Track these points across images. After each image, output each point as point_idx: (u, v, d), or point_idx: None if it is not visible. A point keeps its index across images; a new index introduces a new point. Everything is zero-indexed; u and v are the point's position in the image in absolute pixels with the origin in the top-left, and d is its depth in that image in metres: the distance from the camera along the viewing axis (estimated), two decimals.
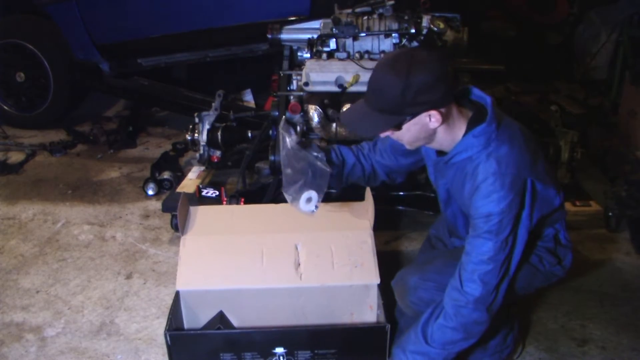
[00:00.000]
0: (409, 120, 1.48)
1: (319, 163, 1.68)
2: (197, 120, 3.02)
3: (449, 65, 1.52)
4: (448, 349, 1.59)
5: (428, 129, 1.50)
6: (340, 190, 1.99)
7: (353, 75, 2.43)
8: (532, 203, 1.53)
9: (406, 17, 2.57)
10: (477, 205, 1.50)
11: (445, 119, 1.49)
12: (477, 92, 1.60)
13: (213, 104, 3.03)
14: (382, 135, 1.59)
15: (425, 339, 1.59)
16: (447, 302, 1.57)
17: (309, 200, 1.70)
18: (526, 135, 1.59)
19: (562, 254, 1.76)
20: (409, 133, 1.52)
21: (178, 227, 2.07)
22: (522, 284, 1.72)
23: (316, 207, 1.72)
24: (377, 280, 1.91)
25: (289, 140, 1.70)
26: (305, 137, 2.54)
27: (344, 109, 2.49)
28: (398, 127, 1.51)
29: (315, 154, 1.70)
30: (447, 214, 1.81)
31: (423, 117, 1.47)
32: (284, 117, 1.74)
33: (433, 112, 1.46)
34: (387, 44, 2.57)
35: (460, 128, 1.54)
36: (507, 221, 1.48)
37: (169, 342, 1.75)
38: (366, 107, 1.53)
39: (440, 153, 1.64)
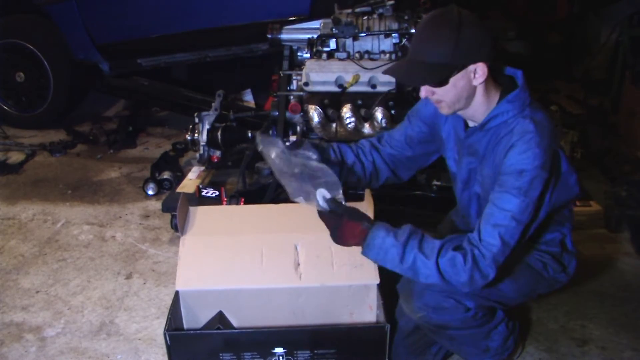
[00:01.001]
0: (458, 72, 1.49)
1: (314, 163, 1.61)
2: (197, 120, 3.02)
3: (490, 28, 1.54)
4: (446, 278, 1.48)
5: (471, 86, 1.52)
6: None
7: (353, 75, 2.44)
8: (557, 176, 1.54)
9: (406, 17, 2.57)
10: (511, 162, 1.47)
11: (487, 79, 1.52)
12: (508, 68, 1.64)
13: (213, 104, 3.03)
14: (424, 94, 1.56)
15: (437, 259, 1.48)
16: (466, 245, 1.49)
17: (325, 197, 1.60)
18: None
19: (567, 260, 1.75)
20: (455, 89, 1.51)
21: (178, 227, 2.07)
22: (525, 291, 1.71)
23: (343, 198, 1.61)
24: (377, 281, 1.91)
25: (273, 155, 1.61)
26: (306, 137, 2.55)
27: (344, 109, 2.49)
28: (445, 81, 1.50)
29: (308, 153, 1.64)
30: (463, 197, 1.78)
31: (470, 71, 1.49)
32: (258, 133, 1.63)
33: (480, 65, 1.48)
34: (387, 44, 2.58)
35: (494, 95, 1.56)
36: (538, 182, 1.46)
37: (169, 342, 1.75)
38: (413, 61, 1.53)
39: (468, 128, 1.65)
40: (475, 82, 1.51)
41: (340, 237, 1.58)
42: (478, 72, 1.49)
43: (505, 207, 1.47)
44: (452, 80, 1.50)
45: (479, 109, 1.58)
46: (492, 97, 1.57)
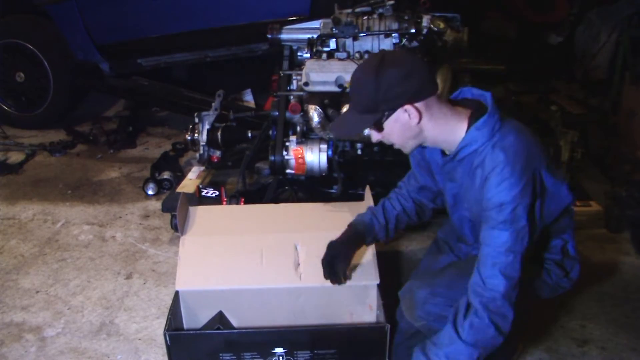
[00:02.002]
0: (387, 117, 1.49)
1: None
2: (197, 120, 3.02)
3: (423, 63, 1.52)
4: (479, 346, 1.49)
5: (411, 127, 1.50)
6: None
7: None
8: (542, 195, 1.51)
9: (406, 17, 2.57)
10: (489, 196, 1.46)
11: (427, 113, 1.49)
12: (475, 91, 1.60)
13: (213, 104, 3.03)
14: (374, 139, 1.58)
15: (459, 336, 1.48)
16: (473, 299, 1.49)
17: None
18: (532, 132, 1.58)
19: (570, 265, 1.73)
20: (394, 133, 1.53)
21: (178, 227, 2.07)
22: (529, 297, 1.71)
23: None
24: (377, 281, 1.91)
25: None
26: (306, 137, 2.54)
27: (344, 109, 2.49)
28: (380, 127, 1.52)
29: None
30: (454, 219, 1.79)
31: (401, 114, 1.48)
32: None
33: (408, 107, 1.46)
34: (387, 44, 2.57)
35: (459, 125, 1.53)
36: (522, 210, 1.44)
37: (169, 342, 1.75)
38: (350, 111, 1.57)
39: (445, 155, 1.63)
40: (413, 123, 1.49)
41: None
42: (410, 113, 1.47)
43: (497, 243, 1.46)
44: (386, 125, 1.51)
45: (441, 141, 1.56)
46: (455, 127, 1.53)
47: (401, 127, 1.51)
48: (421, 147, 1.72)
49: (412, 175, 1.88)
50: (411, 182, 1.89)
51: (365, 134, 1.67)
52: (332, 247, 1.82)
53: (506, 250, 1.45)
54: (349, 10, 2.63)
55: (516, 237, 1.45)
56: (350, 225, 1.87)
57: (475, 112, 1.54)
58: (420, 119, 1.49)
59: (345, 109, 2.49)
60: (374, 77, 1.45)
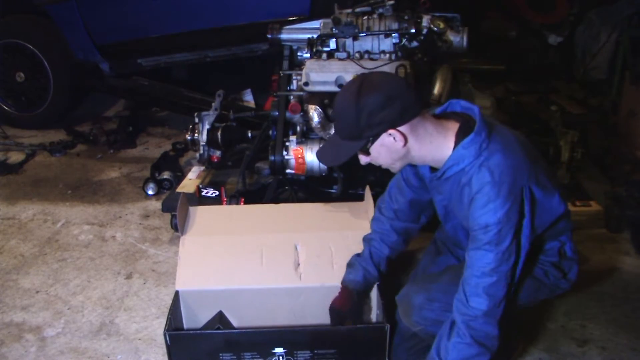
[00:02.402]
0: (372, 142, 1.48)
1: None
2: (197, 120, 3.02)
3: (404, 84, 1.51)
4: None
5: (397, 149, 1.49)
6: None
7: (353, 75, 2.43)
8: (531, 211, 1.50)
9: (406, 17, 2.57)
10: (475, 217, 1.46)
11: (413, 135, 1.47)
12: (463, 103, 1.58)
13: (213, 104, 3.03)
14: (362, 161, 1.57)
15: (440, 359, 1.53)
16: (456, 317, 1.52)
17: None
18: (522, 142, 1.56)
19: (567, 267, 1.73)
20: (381, 156, 1.52)
21: (178, 227, 2.07)
22: (526, 298, 1.70)
23: None
24: (377, 281, 1.91)
25: None
26: (306, 137, 2.54)
27: None
28: (366, 152, 1.51)
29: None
30: (447, 228, 1.80)
31: (386, 138, 1.47)
32: None
33: (392, 132, 1.45)
34: (387, 44, 2.57)
35: (446, 143, 1.51)
36: (507, 231, 1.44)
37: (169, 342, 1.75)
38: (335, 137, 1.56)
39: (434, 170, 1.62)
40: (398, 146, 1.48)
41: None
42: (395, 137, 1.46)
43: (482, 264, 1.47)
44: (372, 150, 1.50)
45: (429, 159, 1.55)
46: (442, 144, 1.51)
47: (387, 150, 1.50)
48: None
49: (395, 196, 1.85)
50: (394, 206, 1.86)
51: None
52: (337, 314, 1.84)
53: (490, 271, 1.46)
54: (349, 10, 2.63)
55: (501, 258, 1.46)
56: (344, 288, 1.86)
57: (463, 126, 1.52)
58: (406, 142, 1.47)
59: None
60: (354, 104, 1.43)
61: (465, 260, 1.52)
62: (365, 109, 1.42)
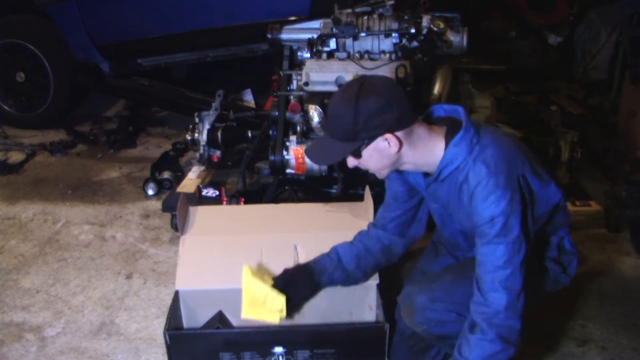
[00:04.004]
0: (367, 145, 1.47)
1: None
2: (197, 120, 3.02)
3: (402, 91, 1.50)
4: None
5: (390, 154, 1.48)
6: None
7: (353, 75, 2.43)
8: (530, 199, 1.50)
9: (406, 17, 2.57)
10: (478, 212, 1.45)
11: (407, 141, 1.47)
12: (446, 107, 1.59)
13: (213, 104, 3.03)
14: (350, 164, 1.56)
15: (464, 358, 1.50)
16: (476, 318, 1.49)
17: None
18: (509, 135, 1.56)
19: (567, 261, 1.73)
20: (372, 160, 1.51)
21: (178, 227, 2.07)
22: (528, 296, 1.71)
23: None
24: (376, 280, 1.91)
25: None
26: (306, 137, 2.55)
27: None
28: (358, 154, 1.50)
29: None
30: (445, 234, 1.79)
31: (380, 142, 1.46)
32: None
33: (388, 136, 1.44)
34: (387, 44, 2.57)
35: (437, 145, 1.51)
36: (513, 220, 1.43)
37: (168, 342, 1.75)
38: (327, 138, 1.54)
39: (427, 176, 1.61)
40: (392, 151, 1.47)
41: None
42: (390, 142, 1.45)
43: (494, 258, 1.45)
44: (364, 153, 1.49)
45: (421, 164, 1.54)
46: (434, 147, 1.51)
47: (379, 154, 1.49)
48: (399, 171, 1.69)
49: (387, 206, 1.84)
50: (387, 215, 1.84)
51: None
52: (282, 278, 1.78)
53: (504, 263, 1.44)
54: (349, 10, 2.63)
55: (512, 249, 1.44)
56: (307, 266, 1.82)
57: (450, 128, 1.52)
58: (400, 147, 1.47)
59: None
60: (353, 105, 1.42)
61: (476, 259, 1.50)
62: (363, 111, 1.42)
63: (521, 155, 1.52)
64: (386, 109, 1.42)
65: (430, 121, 1.57)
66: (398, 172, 1.69)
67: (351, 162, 1.55)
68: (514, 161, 1.49)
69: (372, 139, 1.46)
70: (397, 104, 1.44)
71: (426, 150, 1.51)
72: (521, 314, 1.49)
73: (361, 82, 1.46)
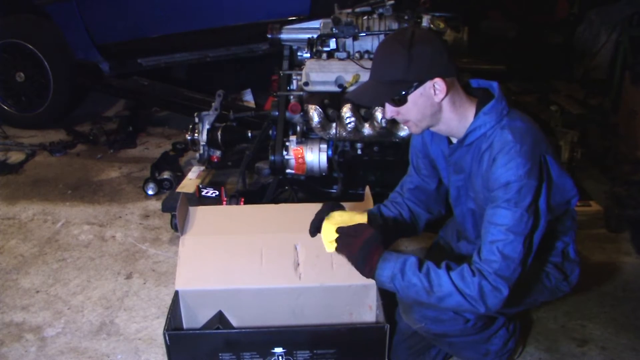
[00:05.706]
0: (414, 89, 1.48)
1: None
2: (197, 120, 3.02)
3: (447, 43, 1.57)
4: (460, 293, 1.45)
5: (434, 103, 1.51)
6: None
7: (353, 75, 2.44)
8: (548, 181, 1.51)
9: (406, 17, 2.57)
10: (496, 176, 1.46)
11: (450, 91, 1.50)
12: (481, 82, 1.64)
13: (213, 104, 3.03)
14: (388, 114, 1.57)
15: (448, 273, 1.46)
16: (473, 261, 1.48)
17: None
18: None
19: (570, 269, 1.73)
20: (416, 107, 1.51)
21: (178, 227, 2.07)
22: (527, 300, 1.70)
23: None
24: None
25: None
26: (306, 137, 2.55)
27: (344, 109, 2.50)
28: (404, 99, 1.50)
29: None
30: (457, 213, 1.79)
31: (428, 88, 1.48)
32: None
33: (438, 80, 1.47)
34: None
35: (469, 110, 1.55)
36: (527, 191, 1.44)
37: (168, 342, 1.75)
38: (372, 81, 1.56)
39: (451, 144, 1.65)
40: (437, 99, 1.50)
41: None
42: (437, 87, 1.48)
43: (499, 221, 1.45)
44: (410, 98, 1.50)
45: (453, 125, 1.57)
46: (467, 111, 1.55)
47: (424, 102, 1.51)
48: (423, 143, 1.74)
49: (408, 178, 1.88)
50: (406, 186, 1.88)
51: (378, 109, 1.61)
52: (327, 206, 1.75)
53: (507, 229, 1.44)
54: (349, 10, 2.63)
55: (519, 218, 1.44)
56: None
57: (482, 100, 1.56)
58: (446, 95, 1.50)
59: (345, 109, 2.50)
60: (407, 49, 1.45)
61: (484, 219, 1.50)
62: (417, 54, 1.45)
63: (546, 140, 1.54)
64: (438, 55, 1.47)
65: (467, 91, 1.60)
66: (423, 145, 1.74)
67: (390, 111, 1.56)
68: (539, 140, 1.51)
69: (421, 82, 1.48)
70: (447, 52, 1.49)
71: (460, 112, 1.55)
72: (511, 285, 1.45)
73: (412, 30, 1.51)
